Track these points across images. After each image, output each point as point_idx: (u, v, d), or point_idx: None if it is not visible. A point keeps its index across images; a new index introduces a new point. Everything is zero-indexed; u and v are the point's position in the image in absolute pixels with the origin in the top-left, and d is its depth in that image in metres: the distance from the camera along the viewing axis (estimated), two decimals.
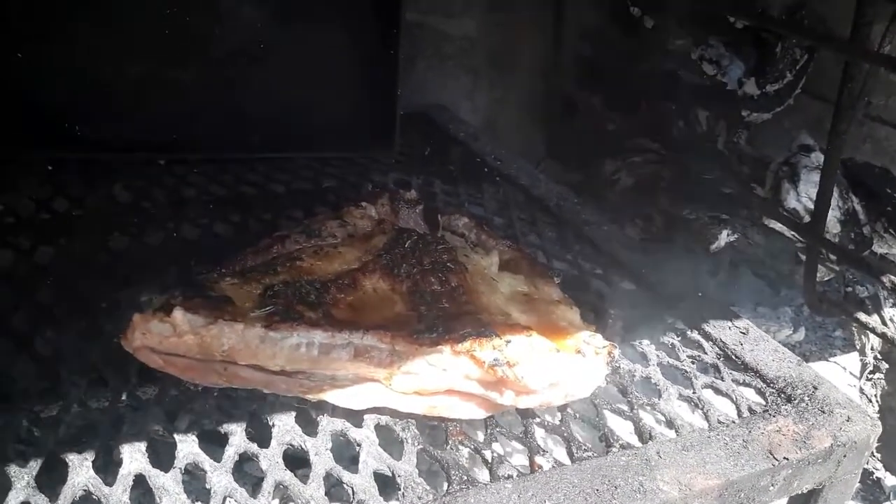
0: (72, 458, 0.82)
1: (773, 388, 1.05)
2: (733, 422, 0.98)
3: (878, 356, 1.50)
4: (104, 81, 1.47)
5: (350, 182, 1.51)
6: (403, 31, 1.56)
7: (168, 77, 1.50)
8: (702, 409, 1.00)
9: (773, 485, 0.93)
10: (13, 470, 0.80)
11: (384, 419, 0.91)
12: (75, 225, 1.28)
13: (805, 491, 0.98)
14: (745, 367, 1.09)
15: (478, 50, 1.93)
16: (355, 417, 0.91)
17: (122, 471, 0.81)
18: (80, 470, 0.81)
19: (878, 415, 1.45)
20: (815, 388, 1.04)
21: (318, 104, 1.57)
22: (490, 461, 0.88)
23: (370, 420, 0.91)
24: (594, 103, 1.86)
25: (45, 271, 1.15)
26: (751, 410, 1.01)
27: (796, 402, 1.02)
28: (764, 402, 1.03)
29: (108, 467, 0.83)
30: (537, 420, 0.96)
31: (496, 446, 0.91)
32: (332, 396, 0.90)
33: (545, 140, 2.01)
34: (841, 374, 1.68)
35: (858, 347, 1.57)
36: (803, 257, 1.60)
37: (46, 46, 1.44)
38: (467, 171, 1.60)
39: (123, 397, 0.91)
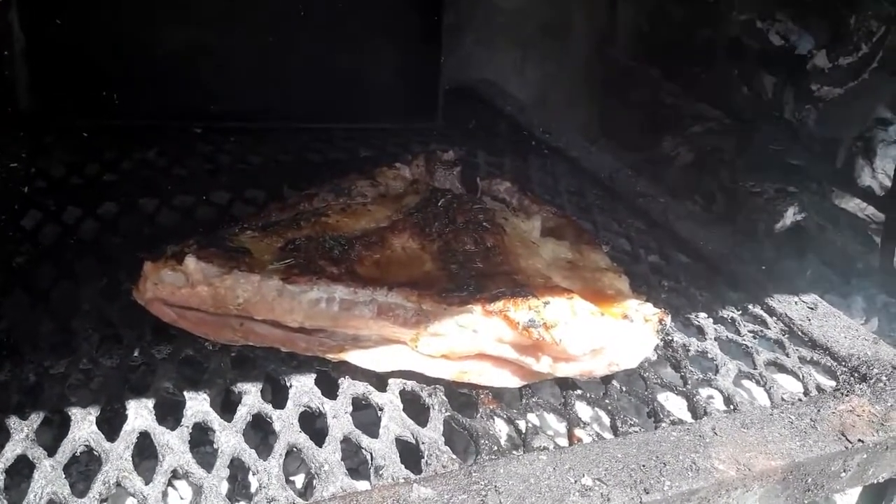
0: (74, 413, 0.77)
1: (845, 366, 0.94)
2: (799, 400, 0.88)
3: None
4: (143, 48, 1.44)
5: (389, 152, 1.45)
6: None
7: (207, 44, 1.47)
8: (764, 387, 0.90)
9: (845, 470, 0.82)
10: (13, 422, 0.75)
11: (410, 384, 0.84)
12: (106, 188, 1.25)
13: (881, 480, 0.86)
14: (813, 344, 0.98)
15: (529, 23, 1.85)
16: (379, 381, 0.84)
17: (126, 427, 0.76)
18: (83, 425, 0.76)
19: None
20: (895, 367, 0.93)
21: (359, 74, 1.52)
22: (524, 432, 0.80)
23: (395, 384, 0.84)
24: (652, 75, 1.75)
25: (70, 231, 1.12)
26: (819, 389, 0.90)
27: (872, 381, 0.91)
28: (835, 382, 0.92)
29: (113, 424, 0.78)
30: (578, 392, 0.87)
31: (531, 417, 0.83)
32: (354, 357, 0.83)
33: (599, 116, 1.91)
34: None
35: None
36: (877, 239, 1.48)
37: (86, 13, 1.42)
38: (513, 143, 1.53)
39: (136, 354, 0.86)
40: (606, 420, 0.85)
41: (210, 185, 1.28)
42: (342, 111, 1.52)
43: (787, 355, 0.96)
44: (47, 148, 1.36)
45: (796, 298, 1.06)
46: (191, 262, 0.81)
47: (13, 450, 0.72)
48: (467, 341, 0.82)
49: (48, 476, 0.70)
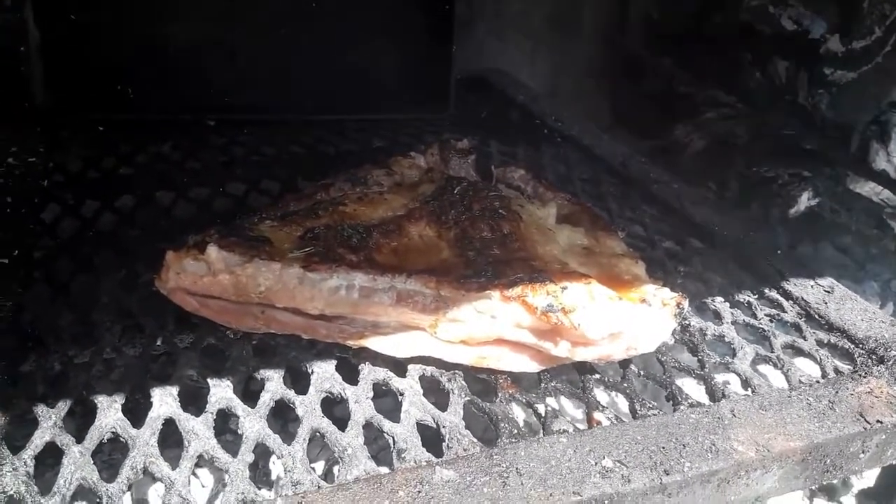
0: (101, 400, 0.78)
1: (862, 348, 0.94)
2: (817, 382, 0.88)
3: None
4: (155, 43, 1.45)
5: (402, 143, 1.45)
6: None
7: (219, 38, 1.48)
8: (782, 370, 0.91)
9: (864, 451, 0.82)
10: (41, 410, 0.76)
11: (429, 369, 0.85)
12: (123, 182, 1.26)
13: None
14: (830, 327, 0.99)
15: (539, 13, 1.85)
16: (399, 367, 0.85)
17: (152, 414, 0.77)
18: (109, 412, 0.77)
19: None
20: None
21: (371, 64, 1.52)
22: (543, 415, 0.80)
23: (414, 370, 0.85)
24: (663, 63, 1.75)
25: (88, 224, 1.13)
26: (837, 372, 0.91)
27: (890, 363, 0.91)
28: (852, 364, 0.92)
29: (137, 411, 0.79)
30: (596, 376, 0.88)
31: (550, 401, 0.83)
32: (373, 343, 0.83)
33: (611, 106, 1.91)
34: None
35: None
36: (892, 223, 1.47)
37: (99, 9, 1.43)
38: (526, 132, 1.53)
39: (158, 343, 0.87)
40: (625, 403, 0.85)
41: (225, 176, 1.29)
42: (354, 102, 1.53)
43: (805, 338, 0.97)
44: (64, 142, 1.37)
45: (813, 282, 1.07)
46: (213, 250, 0.82)
47: (42, 437, 0.74)
48: (486, 327, 0.82)
49: (77, 462, 0.71)
